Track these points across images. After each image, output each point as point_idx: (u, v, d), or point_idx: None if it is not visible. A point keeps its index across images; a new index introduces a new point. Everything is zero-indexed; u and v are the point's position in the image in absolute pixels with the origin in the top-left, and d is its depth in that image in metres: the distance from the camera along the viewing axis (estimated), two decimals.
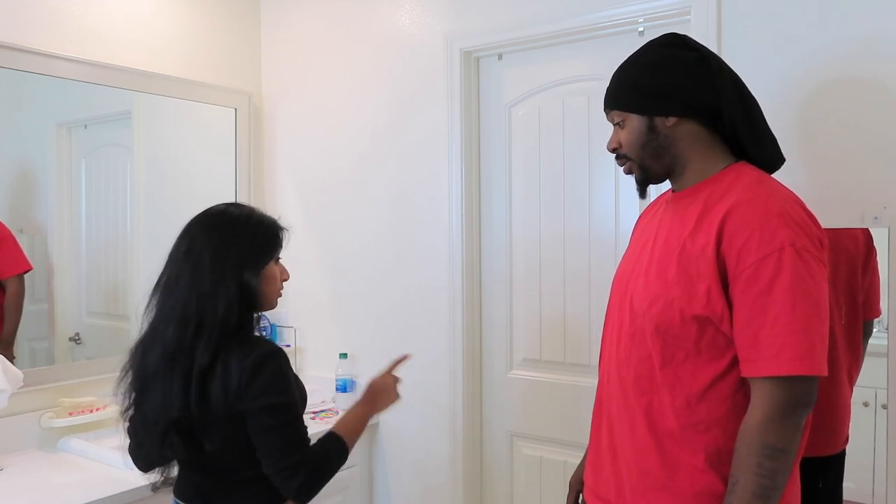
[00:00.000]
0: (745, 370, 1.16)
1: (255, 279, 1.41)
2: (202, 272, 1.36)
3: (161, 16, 2.55)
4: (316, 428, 2.34)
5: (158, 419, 1.37)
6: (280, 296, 1.53)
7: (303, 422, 1.42)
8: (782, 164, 1.33)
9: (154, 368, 1.38)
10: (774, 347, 1.12)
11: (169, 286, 1.40)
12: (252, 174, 2.84)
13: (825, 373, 1.14)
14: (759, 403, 1.14)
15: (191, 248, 1.39)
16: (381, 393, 1.65)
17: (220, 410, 1.34)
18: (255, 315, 1.48)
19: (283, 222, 1.52)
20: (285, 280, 1.53)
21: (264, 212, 1.51)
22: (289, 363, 1.42)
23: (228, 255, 1.38)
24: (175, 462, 1.48)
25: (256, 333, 1.47)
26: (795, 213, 1.18)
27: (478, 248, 2.42)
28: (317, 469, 1.41)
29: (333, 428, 1.52)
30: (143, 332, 1.42)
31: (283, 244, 1.50)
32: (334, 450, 1.48)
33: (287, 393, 1.38)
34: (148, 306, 1.42)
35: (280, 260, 1.51)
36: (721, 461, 1.20)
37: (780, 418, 1.12)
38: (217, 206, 1.48)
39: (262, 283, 1.44)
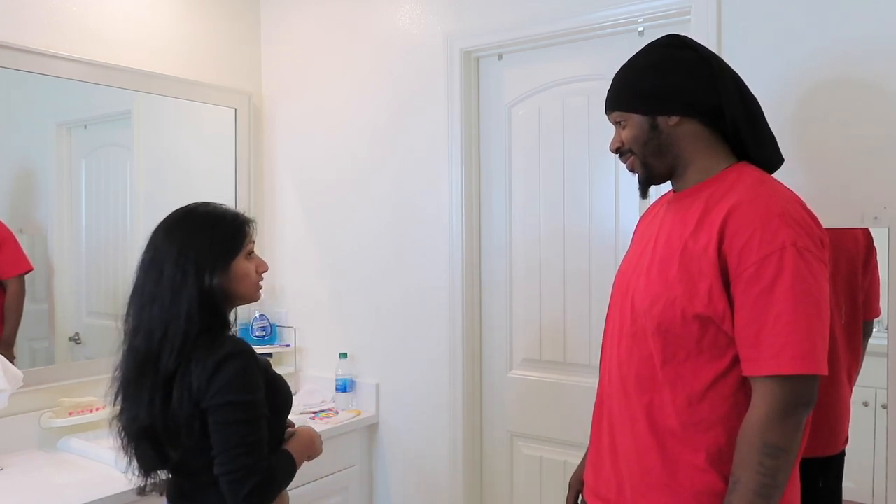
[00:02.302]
0: (747, 369, 1.17)
1: (219, 280, 1.40)
2: (163, 282, 1.38)
3: (161, 16, 2.55)
4: (315, 428, 2.34)
5: (130, 428, 1.40)
6: (260, 288, 1.51)
7: (264, 426, 1.37)
8: (781, 164, 1.34)
9: (128, 378, 1.41)
10: (776, 346, 1.12)
11: (138, 295, 1.41)
12: (252, 174, 2.84)
13: (826, 372, 1.14)
14: (760, 402, 1.14)
15: (154, 257, 1.41)
16: (316, 437, 1.60)
17: (183, 412, 1.33)
18: (232, 311, 1.48)
19: (247, 215, 1.50)
20: (263, 272, 1.51)
21: (229, 207, 1.50)
22: (255, 363, 1.39)
23: (188, 261, 1.38)
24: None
25: (231, 332, 1.46)
26: (797, 212, 1.18)
27: (478, 248, 2.42)
28: (268, 481, 1.35)
29: (286, 446, 1.49)
30: (121, 340, 1.44)
31: (250, 237, 1.48)
32: (286, 466, 1.44)
33: (248, 392, 1.34)
34: (127, 314, 1.43)
35: (253, 253, 1.49)
36: (722, 460, 1.20)
37: (781, 417, 1.12)
38: (183, 207, 1.47)
39: (232, 281, 1.43)
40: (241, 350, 1.37)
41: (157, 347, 1.36)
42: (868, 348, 1.68)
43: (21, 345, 2.19)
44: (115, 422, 1.45)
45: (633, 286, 1.33)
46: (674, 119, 1.29)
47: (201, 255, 1.39)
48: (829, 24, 1.73)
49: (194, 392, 1.33)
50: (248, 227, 1.48)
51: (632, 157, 1.36)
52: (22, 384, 1.97)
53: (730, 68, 1.32)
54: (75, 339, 2.35)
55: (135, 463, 1.44)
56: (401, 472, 2.55)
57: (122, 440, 1.43)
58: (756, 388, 1.16)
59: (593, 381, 1.53)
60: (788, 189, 1.26)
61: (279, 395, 1.48)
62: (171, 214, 1.46)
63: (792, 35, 1.78)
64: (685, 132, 1.30)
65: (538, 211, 2.29)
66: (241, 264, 1.44)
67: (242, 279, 1.45)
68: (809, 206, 1.24)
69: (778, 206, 1.18)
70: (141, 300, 1.40)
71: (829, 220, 1.32)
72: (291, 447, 1.49)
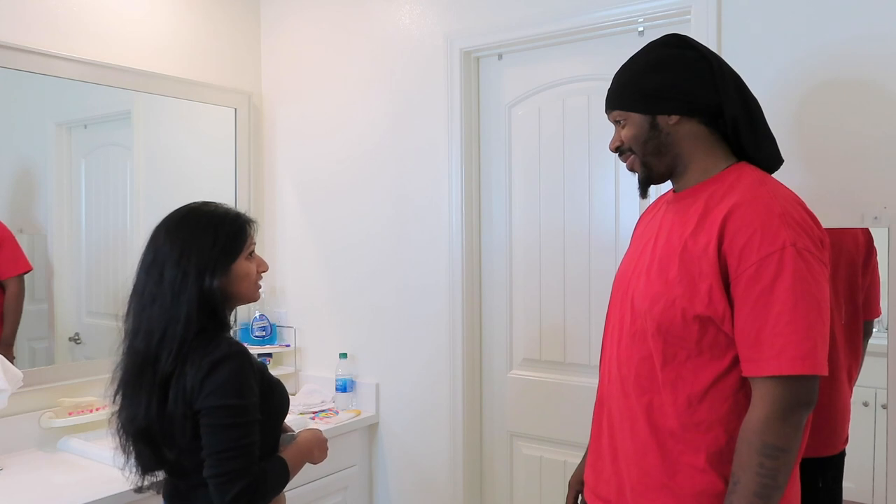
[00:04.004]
0: (747, 370, 1.17)
1: (219, 281, 1.39)
2: (164, 283, 1.37)
3: (160, 16, 2.55)
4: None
5: (128, 427, 1.40)
6: (259, 287, 1.51)
7: (256, 431, 1.36)
8: (780, 165, 1.34)
9: (127, 378, 1.41)
10: (776, 347, 1.12)
11: (138, 295, 1.41)
12: (252, 174, 2.84)
13: (826, 372, 1.14)
14: (761, 403, 1.14)
15: (155, 258, 1.40)
16: (318, 446, 1.59)
17: (178, 413, 1.33)
18: (231, 311, 1.48)
19: (249, 215, 1.50)
20: (263, 272, 1.51)
21: (230, 207, 1.50)
22: (250, 366, 1.38)
23: (189, 263, 1.37)
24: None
25: (228, 333, 1.45)
26: (797, 213, 1.18)
27: (478, 247, 2.42)
28: (258, 485, 1.33)
29: (282, 453, 1.48)
30: (121, 339, 1.43)
31: (251, 238, 1.48)
32: (278, 474, 1.42)
33: (240, 396, 1.33)
34: (127, 313, 1.42)
35: (253, 253, 1.49)
36: (722, 461, 1.20)
37: (781, 418, 1.12)
38: (184, 206, 1.47)
39: (233, 282, 1.43)
40: (236, 352, 1.36)
41: (156, 349, 1.36)
42: (868, 348, 1.68)
43: (21, 345, 2.19)
44: (113, 419, 1.45)
45: (632, 286, 1.33)
46: (673, 118, 1.29)
47: (203, 256, 1.39)
48: (829, 24, 1.73)
49: (188, 393, 1.32)
50: (250, 227, 1.48)
51: (631, 157, 1.36)
52: (22, 384, 1.97)
53: (730, 68, 1.32)
54: (75, 339, 2.35)
55: (132, 461, 1.44)
56: (401, 472, 2.55)
57: (120, 438, 1.43)
58: (756, 389, 1.16)
59: (593, 381, 1.53)
60: (788, 190, 1.25)
61: (274, 398, 1.47)
62: (171, 214, 1.46)
63: (792, 35, 1.78)
64: (685, 132, 1.30)
65: (538, 211, 2.29)
66: (242, 265, 1.44)
67: (243, 280, 1.45)
68: (809, 206, 1.24)
69: (778, 207, 1.17)
70: (141, 301, 1.40)
71: (829, 220, 1.32)
72: (288, 454, 1.48)
